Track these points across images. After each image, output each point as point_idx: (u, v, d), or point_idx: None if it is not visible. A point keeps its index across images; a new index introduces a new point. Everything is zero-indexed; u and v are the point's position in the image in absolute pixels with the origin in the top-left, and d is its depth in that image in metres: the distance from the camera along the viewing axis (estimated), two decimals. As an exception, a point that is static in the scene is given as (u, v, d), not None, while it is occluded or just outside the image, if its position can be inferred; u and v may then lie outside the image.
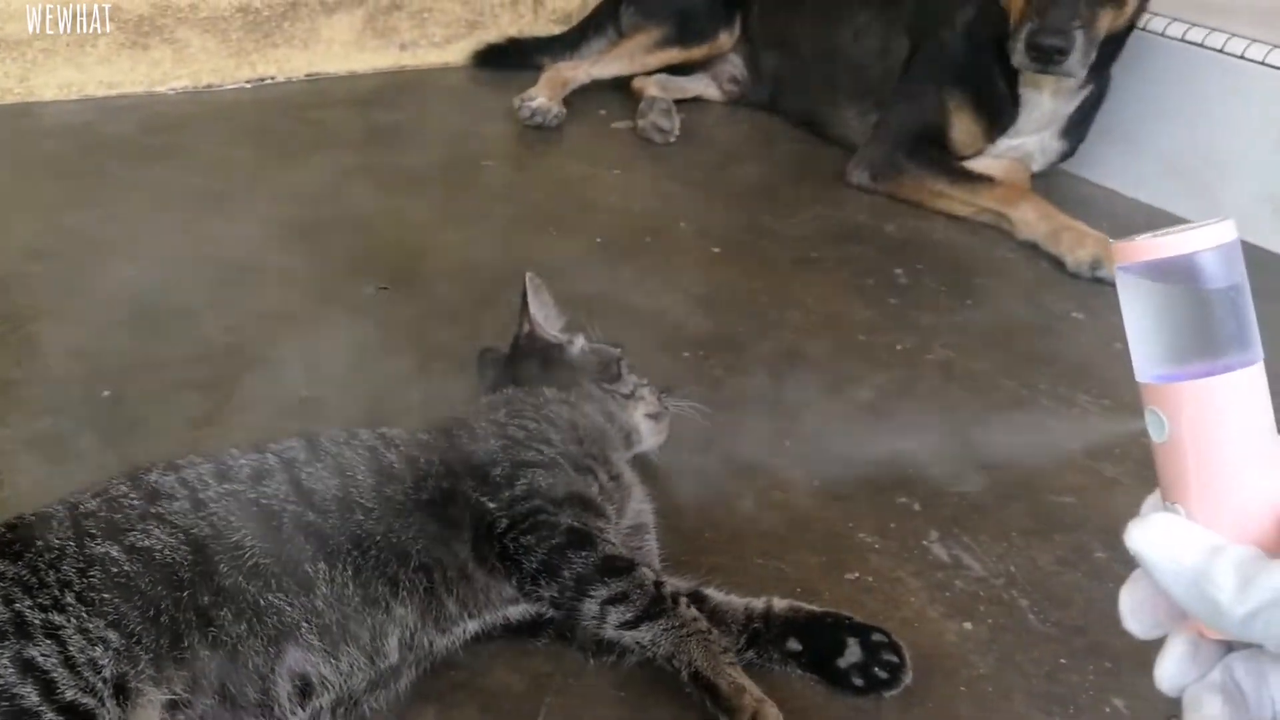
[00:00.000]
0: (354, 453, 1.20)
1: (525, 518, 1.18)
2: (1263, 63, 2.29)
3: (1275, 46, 2.28)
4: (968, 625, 1.31)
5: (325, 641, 1.08)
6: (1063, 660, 1.27)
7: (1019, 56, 2.19)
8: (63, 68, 2.56)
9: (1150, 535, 0.56)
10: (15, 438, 1.49)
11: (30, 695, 0.93)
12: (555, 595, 1.17)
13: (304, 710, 1.07)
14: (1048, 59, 2.16)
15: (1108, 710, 1.20)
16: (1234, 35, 2.35)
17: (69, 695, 0.94)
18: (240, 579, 1.06)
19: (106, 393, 1.59)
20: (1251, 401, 0.57)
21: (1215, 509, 0.57)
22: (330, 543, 1.11)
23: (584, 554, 1.16)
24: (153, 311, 1.80)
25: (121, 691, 0.97)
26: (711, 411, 1.54)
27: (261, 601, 1.06)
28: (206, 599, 1.04)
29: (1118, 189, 2.56)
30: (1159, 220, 2.47)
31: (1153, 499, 0.61)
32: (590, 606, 1.15)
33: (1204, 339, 0.56)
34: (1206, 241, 0.55)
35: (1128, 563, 1.51)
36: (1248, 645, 0.57)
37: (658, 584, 1.16)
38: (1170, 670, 0.59)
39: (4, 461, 1.45)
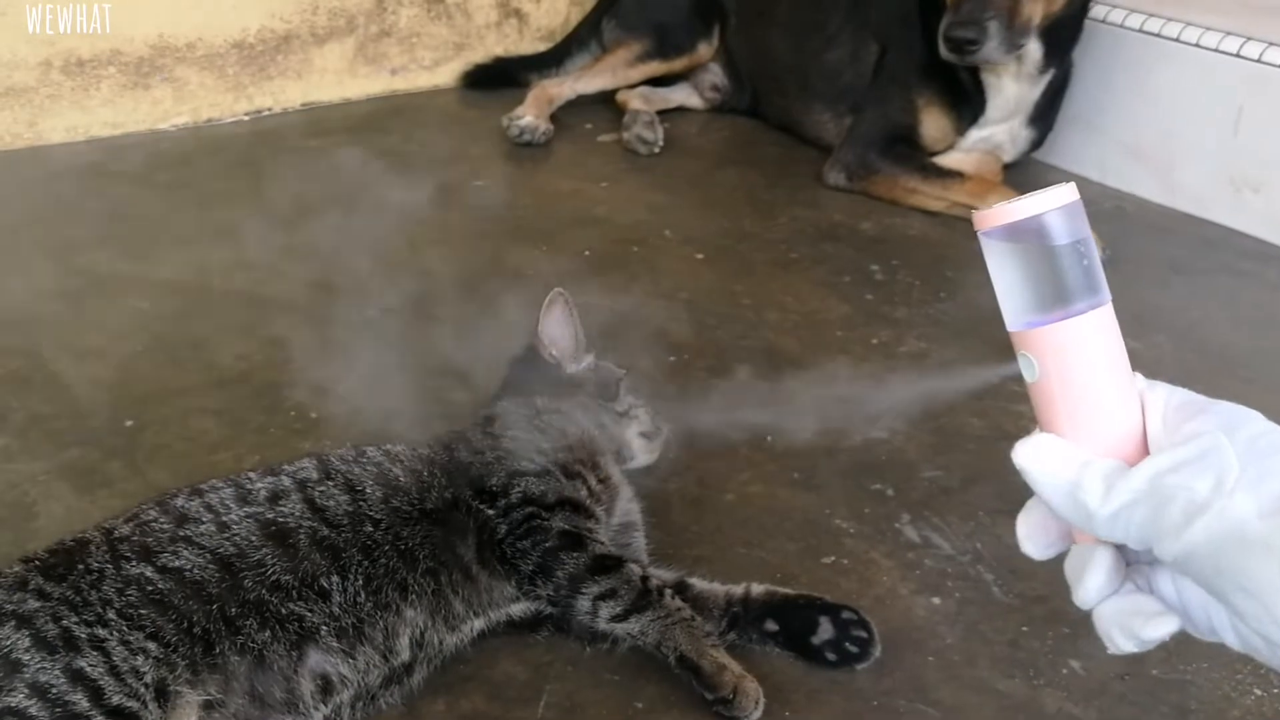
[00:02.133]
0: (362, 469, 1.31)
1: (521, 524, 1.29)
2: (1216, 49, 2.39)
3: (1228, 34, 2.38)
4: (936, 600, 1.41)
5: (343, 643, 1.19)
6: (1024, 628, 1.37)
7: (941, 48, 2.31)
8: (68, 111, 2.67)
9: (1033, 452, 0.65)
10: (47, 469, 1.60)
11: (81, 701, 1.04)
12: (551, 593, 1.27)
13: (326, 705, 1.18)
14: (960, 49, 2.29)
15: (1065, 672, 1.30)
16: (1189, 24, 2.45)
17: (115, 700, 1.05)
18: (263, 592, 1.17)
19: (129, 422, 1.70)
20: (1104, 338, 0.66)
21: (1081, 434, 0.66)
22: (343, 555, 1.22)
23: (575, 555, 1.27)
24: (168, 343, 1.91)
25: (162, 694, 1.08)
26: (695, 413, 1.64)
27: (283, 611, 1.17)
28: (234, 610, 1.15)
29: (1086, 175, 2.65)
30: (1126, 203, 2.57)
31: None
32: (583, 603, 1.26)
33: (1057, 288, 0.65)
34: (1051, 204, 0.64)
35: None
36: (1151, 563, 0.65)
37: (644, 579, 1.26)
38: (1099, 582, 0.66)
39: (37, 490, 1.55)
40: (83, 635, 1.08)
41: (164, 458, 1.63)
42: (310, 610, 1.18)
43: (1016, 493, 1.62)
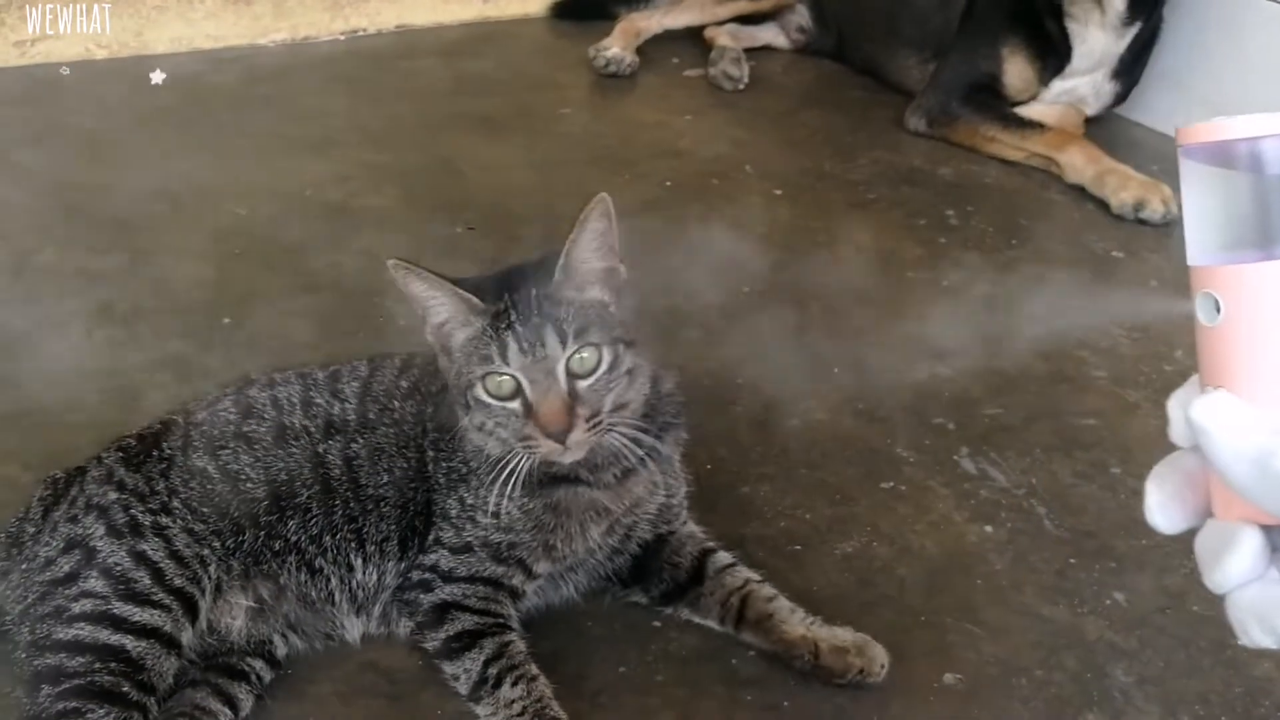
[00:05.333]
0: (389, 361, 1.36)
1: None
2: (1311, 11, 2.38)
3: (1323, -5, 2.36)
4: (988, 529, 1.46)
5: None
6: (1072, 560, 1.42)
7: None
8: (173, 23, 2.76)
9: (1215, 411, 0.55)
10: (150, 358, 1.69)
11: (143, 579, 1.12)
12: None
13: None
14: None
15: (1108, 602, 1.35)
16: (1284, -16, 2.43)
17: (177, 582, 1.13)
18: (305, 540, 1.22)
19: (227, 320, 1.78)
20: None
21: (1265, 392, 0.57)
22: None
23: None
24: (264, 248, 1.99)
25: (217, 590, 1.17)
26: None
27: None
28: (278, 545, 1.21)
29: (1168, 134, 2.64)
30: (1207, 164, 2.56)
31: (1185, 390, 0.59)
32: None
33: (1263, 224, 0.56)
34: (1270, 128, 0.56)
35: (1141, 477, 1.65)
36: None
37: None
38: (1243, 567, 0.56)
39: (141, 378, 1.65)
40: (147, 523, 1.15)
41: (259, 355, 1.70)
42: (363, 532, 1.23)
43: (1074, 433, 1.67)
